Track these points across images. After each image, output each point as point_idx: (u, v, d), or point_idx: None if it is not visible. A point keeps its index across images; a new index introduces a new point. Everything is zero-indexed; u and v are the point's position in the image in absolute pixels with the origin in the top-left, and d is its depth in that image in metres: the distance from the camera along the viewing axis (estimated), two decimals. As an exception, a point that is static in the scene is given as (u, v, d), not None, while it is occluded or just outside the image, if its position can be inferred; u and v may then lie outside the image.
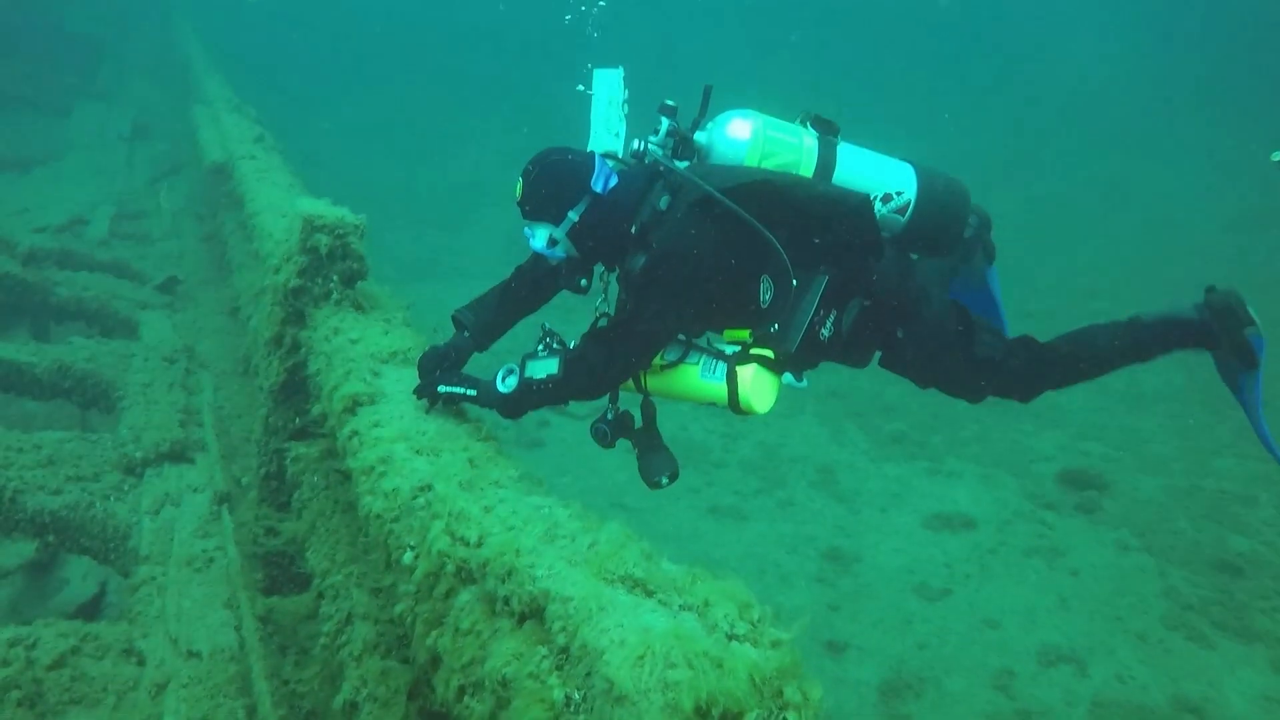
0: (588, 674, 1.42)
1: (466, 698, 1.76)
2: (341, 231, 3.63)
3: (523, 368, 2.99)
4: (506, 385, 2.98)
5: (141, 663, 3.45)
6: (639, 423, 3.21)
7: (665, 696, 1.30)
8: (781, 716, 1.32)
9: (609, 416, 3.15)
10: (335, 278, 3.67)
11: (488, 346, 3.28)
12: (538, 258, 3.34)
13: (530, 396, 2.95)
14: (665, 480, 3.13)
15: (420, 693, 2.44)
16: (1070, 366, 3.48)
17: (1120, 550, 7.92)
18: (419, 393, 3.01)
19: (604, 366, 2.94)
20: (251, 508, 4.17)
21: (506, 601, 1.72)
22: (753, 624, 1.47)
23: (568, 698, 1.45)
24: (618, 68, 3.09)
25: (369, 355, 3.22)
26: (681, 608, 1.52)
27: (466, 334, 3.27)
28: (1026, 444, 9.79)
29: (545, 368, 2.94)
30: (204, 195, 9.93)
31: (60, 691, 3.25)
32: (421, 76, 29.02)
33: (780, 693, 1.34)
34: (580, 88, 3.21)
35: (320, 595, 3.13)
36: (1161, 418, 10.29)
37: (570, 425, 9.86)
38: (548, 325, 3.06)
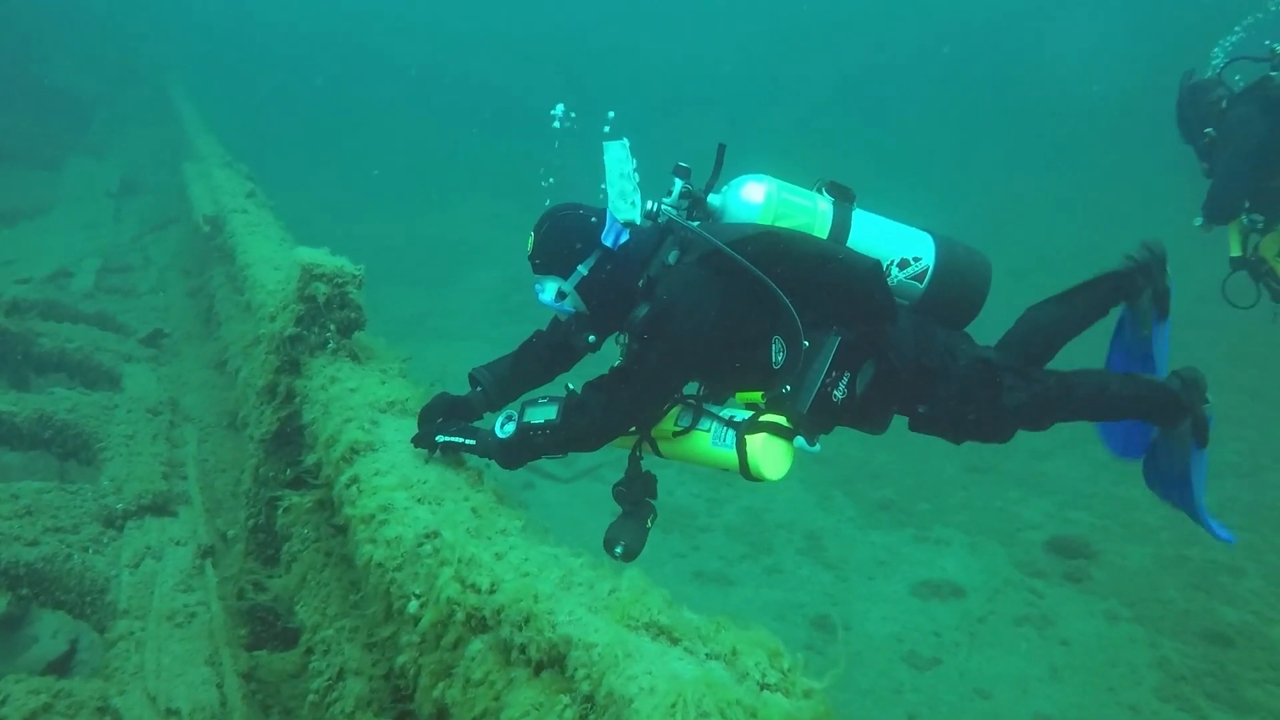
0: (615, 723, 1.36)
1: (478, 752, 1.68)
2: (340, 280, 3.60)
3: (521, 414, 2.95)
4: (505, 431, 2.93)
5: (117, 721, 3.31)
6: (635, 485, 3.17)
7: (699, 747, 1.24)
8: (819, 769, 1.26)
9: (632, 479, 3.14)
10: (332, 327, 3.63)
11: (500, 407, 3.23)
12: (558, 323, 3.33)
13: (528, 443, 2.90)
14: (619, 551, 3.05)
15: (417, 752, 2.34)
16: (1084, 402, 3.47)
17: (1110, 620, 7.84)
18: (417, 442, 2.95)
19: (603, 413, 2.89)
20: (237, 561, 4.06)
21: (523, 650, 1.65)
22: (784, 673, 1.41)
23: (594, 749, 1.39)
24: (623, 139, 3.11)
25: (367, 404, 3.16)
26: (708, 656, 1.46)
27: (480, 390, 3.23)
28: (1013, 511, 9.75)
29: (544, 414, 2.90)
30: (192, 250, 9.90)
31: (31, 751, 3.11)
32: (406, 139, 29.33)
33: (817, 744, 1.28)
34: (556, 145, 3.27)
35: (309, 650, 3.02)
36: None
37: (554, 489, 9.76)
38: (571, 386, 3.03)
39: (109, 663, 3.68)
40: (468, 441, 2.92)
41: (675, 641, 1.50)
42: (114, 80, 20.95)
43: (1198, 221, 6.16)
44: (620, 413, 2.92)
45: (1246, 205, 5.96)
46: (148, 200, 13.57)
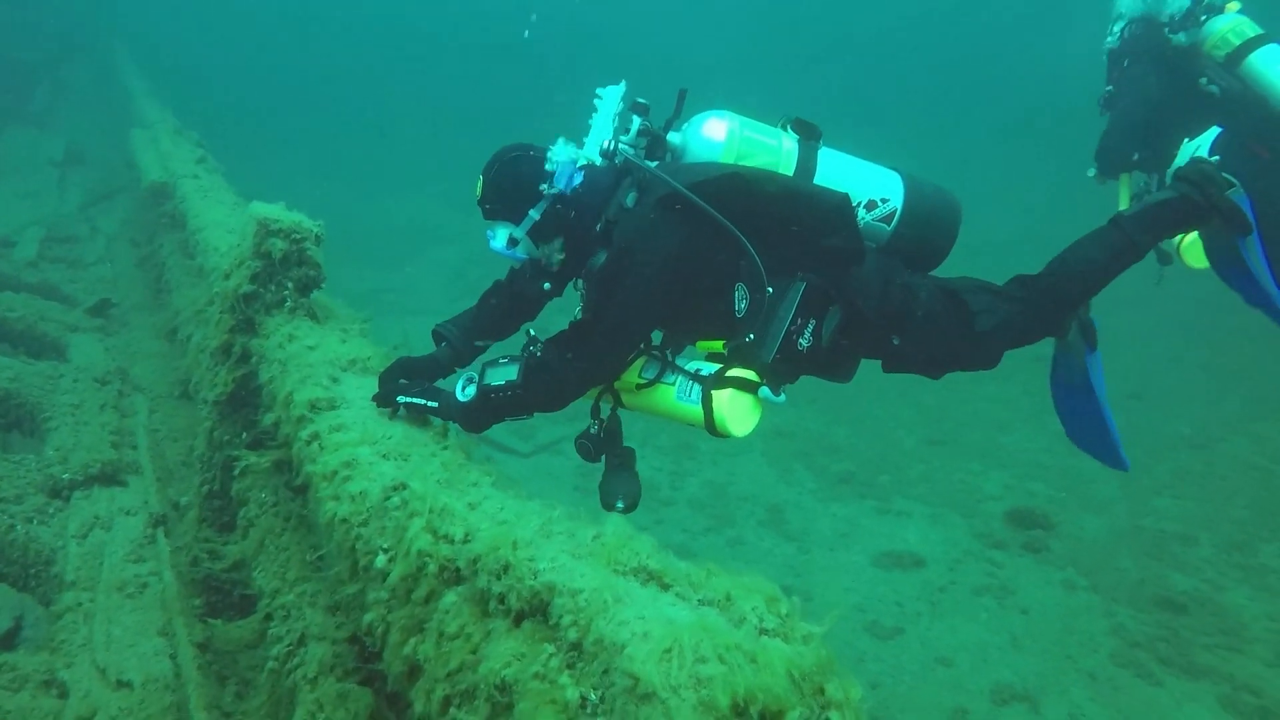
0: (605, 670, 1.27)
1: (454, 709, 1.58)
2: (298, 236, 3.46)
3: (482, 375, 2.83)
4: (466, 394, 2.81)
5: (64, 694, 3.17)
6: (603, 436, 3.06)
7: (698, 694, 1.16)
8: (824, 716, 1.19)
9: (592, 430, 3.01)
10: (290, 284, 3.49)
11: (470, 361, 3.09)
12: (517, 270, 3.21)
13: (490, 406, 2.79)
14: (621, 505, 2.94)
15: (384, 716, 2.24)
16: (1073, 284, 3.28)
17: (1068, 589, 7.93)
18: (378, 400, 2.83)
19: (565, 372, 2.77)
20: (191, 529, 3.92)
21: (502, 599, 1.56)
22: (782, 618, 1.34)
23: (583, 698, 1.30)
24: (620, 83, 2.99)
25: (327, 361, 3.04)
26: (701, 602, 1.39)
27: (445, 345, 3.11)
28: (973, 484, 9.82)
29: (505, 374, 2.79)
30: (141, 219, 9.60)
31: (-28, 726, 2.97)
32: (357, 120, 28.81)
33: (821, 690, 1.21)
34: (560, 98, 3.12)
35: (268, 617, 2.91)
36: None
37: (513, 463, 9.65)
38: (533, 333, 2.92)
39: (55, 635, 3.54)
40: (430, 403, 2.81)
41: (666, 587, 1.42)
42: (57, 49, 20.29)
43: (1091, 172, 6.19)
44: (583, 370, 2.81)
45: (1135, 158, 5.99)
46: (94, 170, 13.16)
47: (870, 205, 3.13)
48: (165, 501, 4.41)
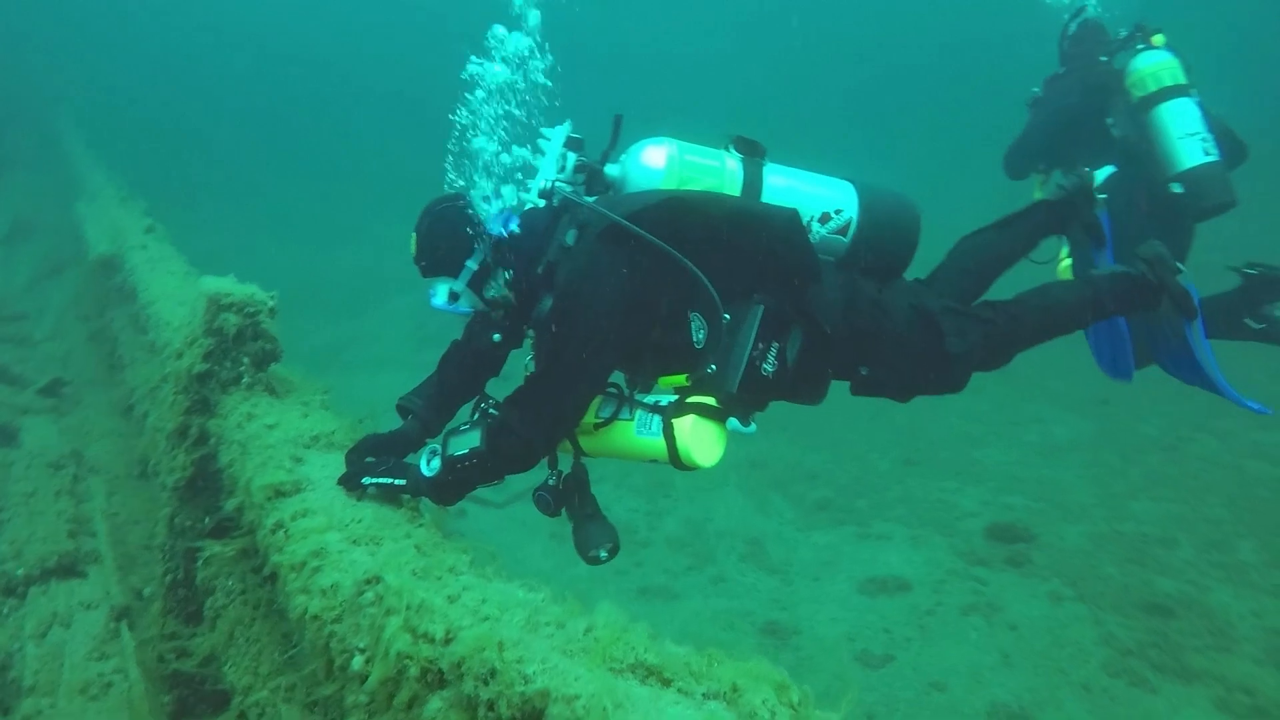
0: (610, 788, 1.17)
1: (447, 827, 1.47)
2: (251, 310, 3.34)
3: (445, 446, 2.71)
4: (431, 469, 2.68)
5: (30, 812, 3.00)
6: (568, 485, 2.94)
7: (712, 809, 1.07)
8: (849, 819, 1.09)
9: (550, 482, 2.89)
10: (246, 360, 3.37)
11: (439, 430, 2.96)
12: (471, 326, 3.11)
13: (458, 477, 2.66)
14: (604, 554, 2.82)
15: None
16: (1037, 322, 3.29)
17: (1054, 601, 7.89)
18: (343, 483, 2.71)
19: (529, 429, 2.65)
20: (156, 621, 3.74)
21: (491, 706, 1.44)
22: (794, 708, 1.25)
23: (588, 820, 1.20)
24: (565, 123, 2.92)
25: (289, 441, 2.91)
26: (706, 696, 1.29)
27: (412, 418, 2.98)
28: (950, 501, 9.80)
29: (468, 442, 2.66)
30: (90, 293, 9.38)
31: None
32: (308, 170, 28.63)
33: (844, 790, 1.12)
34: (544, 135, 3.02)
35: (242, 716, 2.76)
36: (1076, 466, 10.46)
37: (488, 515, 9.49)
38: (489, 393, 2.81)
39: (17, 747, 3.35)
40: (397, 482, 2.68)
41: (667, 683, 1.33)
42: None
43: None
44: (546, 424, 2.68)
45: (1041, 168, 6.04)
46: (41, 243, 12.88)
47: (825, 218, 3.06)
48: (128, 591, 4.23)
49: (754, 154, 3.09)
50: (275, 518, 2.50)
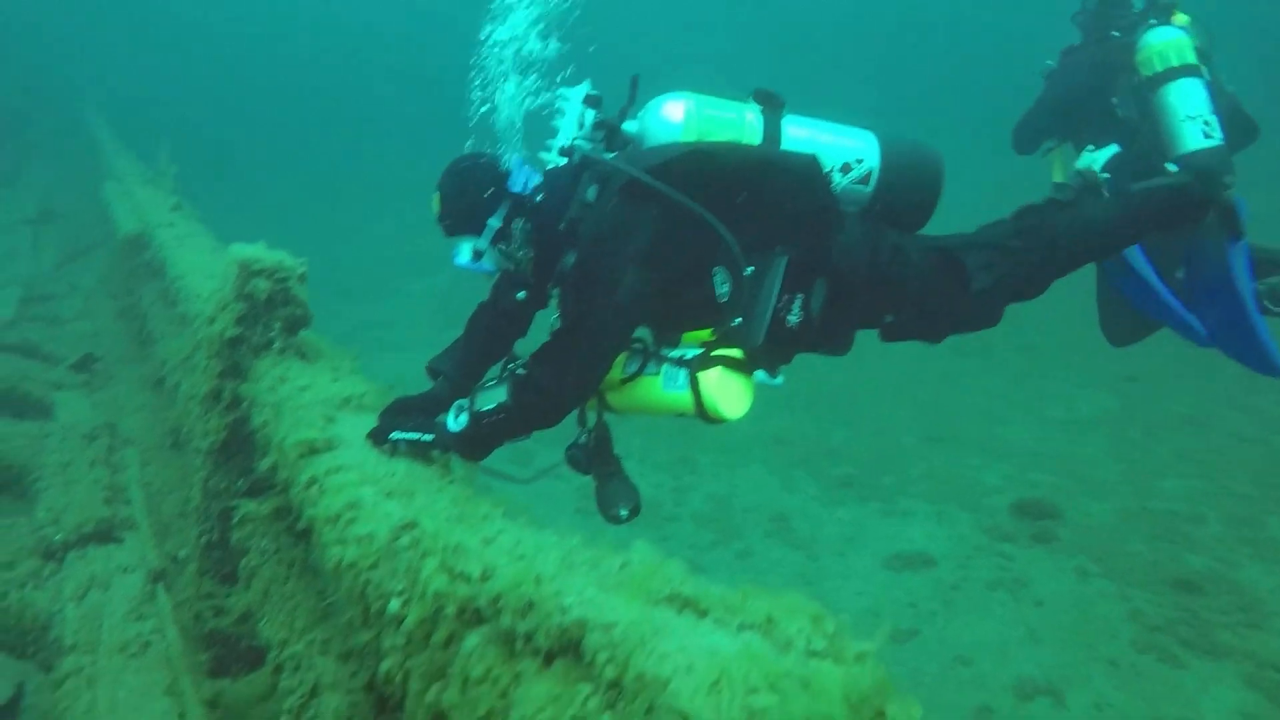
0: (650, 709, 1.19)
1: (485, 758, 1.50)
2: (282, 275, 3.37)
3: (472, 401, 2.73)
4: (459, 424, 2.71)
5: (71, 765, 3.06)
6: (592, 446, 2.96)
7: (752, 726, 1.08)
8: (886, 741, 1.10)
9: (581, 440, 2.91)
10: (277, 325, 3.40)
11: (469, 391, 2.96)
12: (497, 287, 3.12)
13: (485, 432, 2.69)
14: (624, 513, 2.83)
15: (406, 767, 2.14)
16: (1072, 245, 3.18)
17: (1081, 577, 7.86)
18: (372, 437, 2.73)
19: (555, 384, 2.66)
20: (192, 582, 3.80)
21: (529, 639, 1.47)
22: (829, 638, 1.26)
23: (627, 740, 1.22)
24: (583, 82, 2.92)
25: (321, 402, 2.94)
26: (742, 627, 1.30)
27: (442, 379, 3.00)
28: (974, 478, 9.76)
29: (494, 397, 2.68)
30: (119, 272, 9.49)
31: (-22, 805, 2.86)
32: (327, 153, 28.74)
33: (881, 714, 1.13)
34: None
35: (278, 669, 2.80)
36: (1102, 442, 10.39)
37: (513, 490, 9.52)
38: (517, 350, 2.83)
39: (58, 703, 3.42)
40: (424, 437, 2.70)
41: (703, 614, 1.34)
42: (20, 109, 20.17)
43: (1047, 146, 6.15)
44: (573, 378, 2.69)
45: (1050, 145, 5.95)
46: (68, 226, 13.03)
47: (845, 168, 3.02)
48: (163, 556, 4.30)
49: (773, 106, 3.06)
50: (309, 474, 2.53)
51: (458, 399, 2.81)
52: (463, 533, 1.79)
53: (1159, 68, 5.06)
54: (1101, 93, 5.49)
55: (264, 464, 2.99)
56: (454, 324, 3.31)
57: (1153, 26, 5.21)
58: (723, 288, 2.77)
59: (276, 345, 3.40)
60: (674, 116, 2.93)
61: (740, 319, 2.75)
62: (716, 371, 2.66)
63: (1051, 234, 3.18)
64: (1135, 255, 3.48)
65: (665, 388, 2.74)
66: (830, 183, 2.92)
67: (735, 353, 2.71)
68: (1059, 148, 5.90)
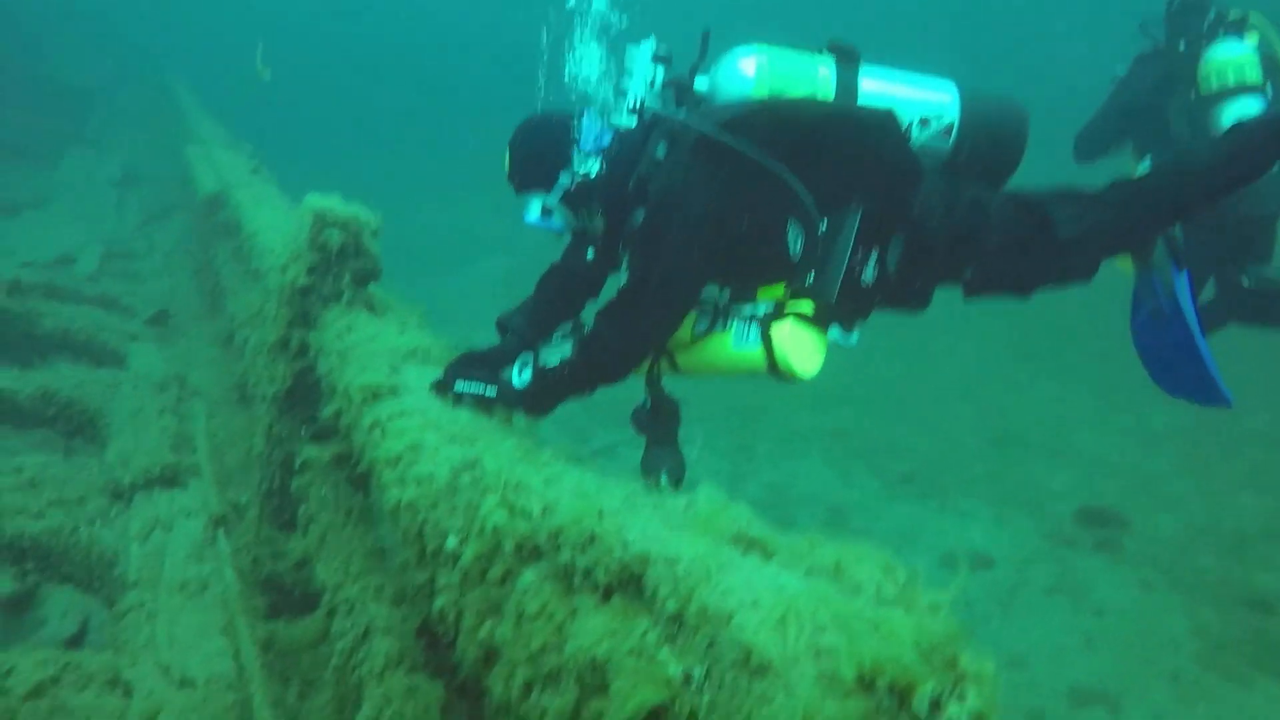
0: (711, 643, 1.15)
1: (537, 693, 1.47)
2: (354, 228, 3.39)
3: (537, 357, 2.72)
4: (523, 379, 2.69)
5: (128, 693, 3.11)
6: (659, 411, 2.92)
7: (820, 665, 1.04)
8: (960, 690, 1.05)
9: (647, 404, 2.88)
10: (347, 277, 3.42)
11: (539, 346, 2.95)
12: (569, 248, 3.10)
13: (549, 387, 2.67)
14: (666, 480, 2.79)
15: (454, 709, 2.14)
16: (1180, 187, 2.90)
17: (1145, 589, 7.64)
18: (435, 388, 2.72)
19: (621, 339, 2.63)
20: (251, 527, 3.86)
21: (588, 574, 1.43)
22: (901, 586, 1.20)
23: (687, 674, 1.17)
24: (650, 38, 2.87)
25: (387, 351, 2.95)
26: (810, 571, 1.26)
27: (511, 334, 2.98)
28: (1038, 483, 9.54)
29: (560, 352, 2.67)
30: (196, 234, 9.70)
31: (37, 725, 2.92)
32: (408, 128, 29.05)
33: (954, 662, 1.08)
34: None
35: (331, 612, 2.82)
36: (1173, 456, 10.08)
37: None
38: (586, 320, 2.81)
39: (119, 635, 3.49)
40: (488, 391, 2.68)
41: (769, 556, 1.30)
42: (111, 73, 20.76)
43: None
44: (638, 334, 2.65)
45: (1112, 153, 5.72)
46: (150, 189, 13.36)
47: (924, 122, 2.90)
48: (225, 503, 4.37)
49: (848, 58, 2.95)
50: (372, 418, 2.54)
51: (523, 354, 2.79)
52: (525, 471, 1.77)
53: (1215, 86, 4.80)
54: (1161, 107, 5.28)
55: (328, 410, 3.01)
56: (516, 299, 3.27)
57: (1219, 40, 4.97)
58: (796, 243, 2.70)
59: (345, 296, 3.42)
60: (746, 71, 2.85)
61: (814, 274, 2.67)
62: (789, 326, 2.60)
63: (1156, 178, 3.01)
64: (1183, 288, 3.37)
65: (736, 345, 2.68)
66: (908, 138, 2.81)
67: (808, 308, 2.64)
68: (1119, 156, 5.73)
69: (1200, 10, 5.30)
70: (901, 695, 1.05)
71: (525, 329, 2.99)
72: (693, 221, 2.58)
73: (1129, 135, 5.59)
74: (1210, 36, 5.07)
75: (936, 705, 1.04)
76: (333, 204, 3.44)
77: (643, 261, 2.66)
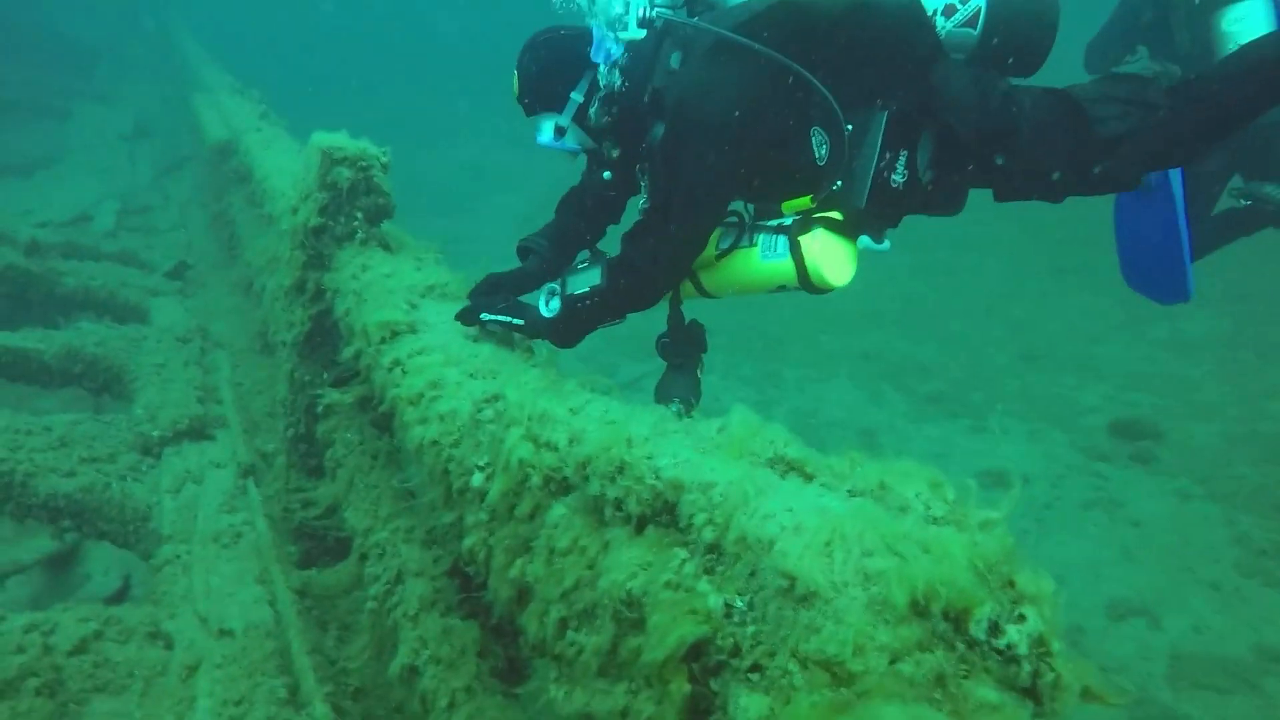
0: (752, 572, 1.08)
1: (572, 632, 1.42)
2: (364, 164, 3.29)
3: (564, 285, 2.62)
4: (551, 309, 2.60)
5: (169, 645, 3.14)
6: (679, 337, 2.84)
7: (869, 591, 0.97)
8: (1018, 612, 0.98)
9: (668, 330, 2.81)
10: (359, 215, 3.33)
11: (561, 272, 2.82)
12: (587, 170, 2.99)
13: (579, 315, 2.57)
14: (676, 406, 2.73)
15: (491, 650, 2.11)
16: (1233, 91, 2.65)
17: (1182, 499, 7.55)
18: (460, 317, 2.65)
19: (650, 262, 2.53)
20: (280, 476, 3.85)
21: (619, 505, 1.37)
22: (950, 504, 1.13)
23: (728, 605, 1.11)
24: None
25: (404, 288, 2.88)
26: (853, 492, 1.18)
27: (533, 257, 2.88)
28: (1070, 397, 9.41)
29: (587, 280, 2.57)
30: (209, 183, 9.64)
31: (82, 679, 2.94)
32: (412, 68, 28.64)
33: (1011, 582, 1.01)
34: None
35: (363, 557, 2.80)
36: (1209, 364, 9.90)
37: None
38: (600, 247, 2.71)
39: (157, 588, 3.52)
40: (515, 321, 2.60)
41: (809, 478, 1.23)
42: (117, 27, 20.54)
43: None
44: (668, 256, 2.54)
45: (1124, 59, 5.51)
46: (161, 142, 13.28)
47: (949, 10, 2.68)
48: (253, 452, 4.37)
49: None
50: (392, 356, 2.48)
51: (548, 282, 2.70)
52: (549, 402, 1.69)
53: None
54: (1161, 19, 5.02)
55: (348, 352, 2.95)
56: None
57: None
58: (821, 149, 2.56)
59: (359, 235, 3.34)
60: None
61: (841, 181, 2.54)
62: (819, 234, 2.49)
63: (1209, 81, 2.74)
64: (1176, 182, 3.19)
65: (764, 257, 2.57)
66: (933, 27, 2.65)
67: (837, 215, 2.53)
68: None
69: None
70: (957, 620, 0.98)
71: (547, 250, 2.90)
72: (715, 129, 2.45)
73: (1142, 43, 5.37)
74: None
75: (995, 628, 0.98)
76: (340, 140, 3.34)
77: (665, 179, 2.55)
